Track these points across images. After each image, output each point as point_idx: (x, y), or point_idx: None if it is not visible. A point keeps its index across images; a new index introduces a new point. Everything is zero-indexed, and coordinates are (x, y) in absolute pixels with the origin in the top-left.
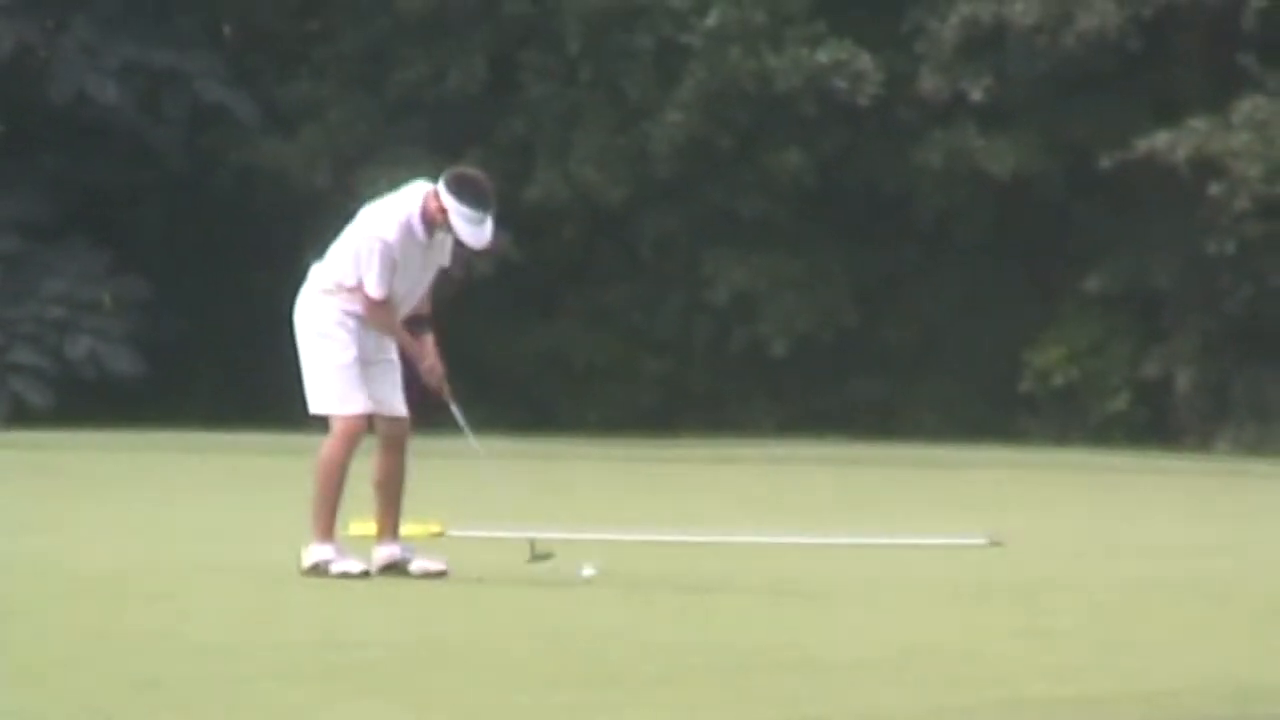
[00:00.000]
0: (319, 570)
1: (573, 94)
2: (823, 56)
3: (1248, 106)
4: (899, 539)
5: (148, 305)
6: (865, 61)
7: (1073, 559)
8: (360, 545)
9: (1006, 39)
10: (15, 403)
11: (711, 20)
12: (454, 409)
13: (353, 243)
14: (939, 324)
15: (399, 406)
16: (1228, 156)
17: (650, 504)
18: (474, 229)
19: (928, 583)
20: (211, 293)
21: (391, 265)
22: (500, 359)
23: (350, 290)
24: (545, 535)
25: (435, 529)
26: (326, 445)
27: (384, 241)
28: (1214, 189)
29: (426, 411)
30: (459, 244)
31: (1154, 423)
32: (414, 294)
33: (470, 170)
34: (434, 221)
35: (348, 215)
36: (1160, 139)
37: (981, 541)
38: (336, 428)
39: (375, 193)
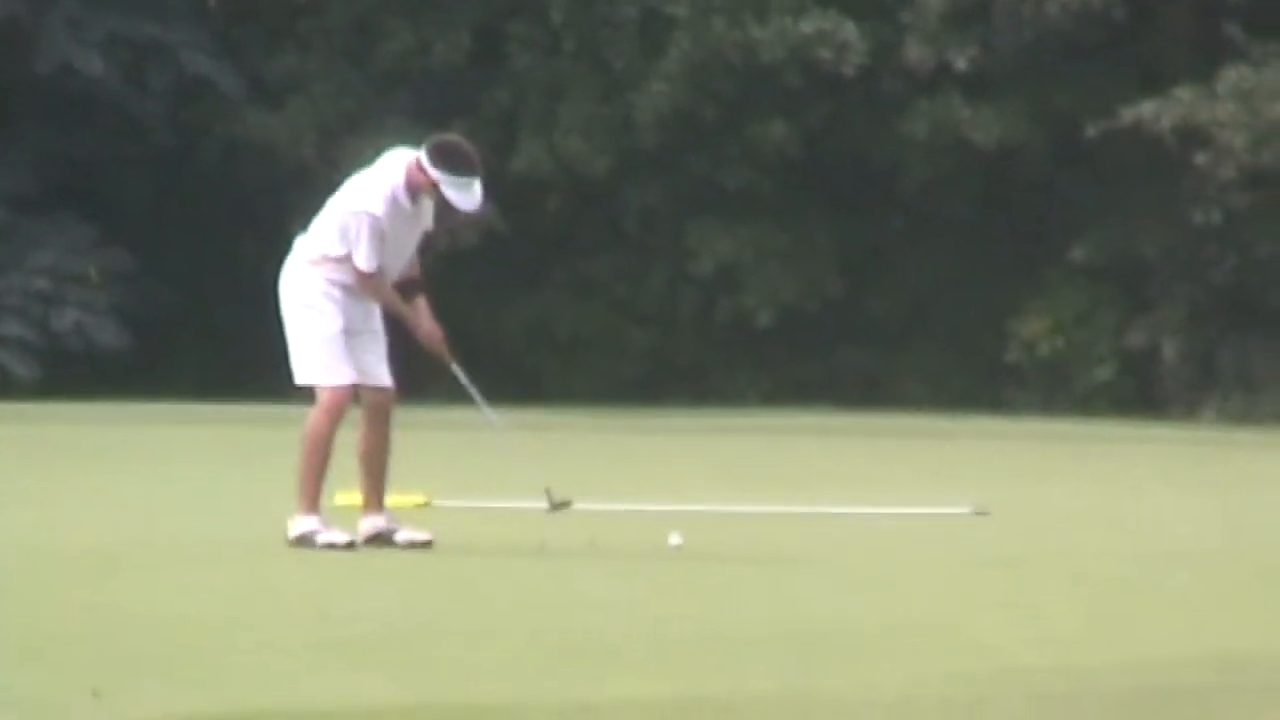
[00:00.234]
0: (305, 541)
1: (557, 65)
2: (807, 27)
3: (1233, 76)
4: (884, 509)
5: (133, 278)
6: (850, 31)
7: (1059, 529)
8: (346, 517)
9: (992, 9)
10: (1, 375)
11: None
12: (458, 372)
13: (338, 215)
14: (924, 294)
15: (384, 377)
16: (1213, 126)
17: (636, 474)
18: (464, 194)
19: (913, 553)
20: (197, 265)
21: (380, 237)
22: (485, 331)
23: (336, 261)
24: (530, 505)
25: (421, 500)
26: (312, 416)
27: (371, 215)
28: (1200, 159)
29: (414, 382)
30: (441, 212)
31: (1140, 393)
32: (400, 261)
33: (450, 137)
34: (418, 191)
35: (333, 187)
36: (1146, 109)
37: (967, 512)
38: (322, 399)
39: (361, 165)
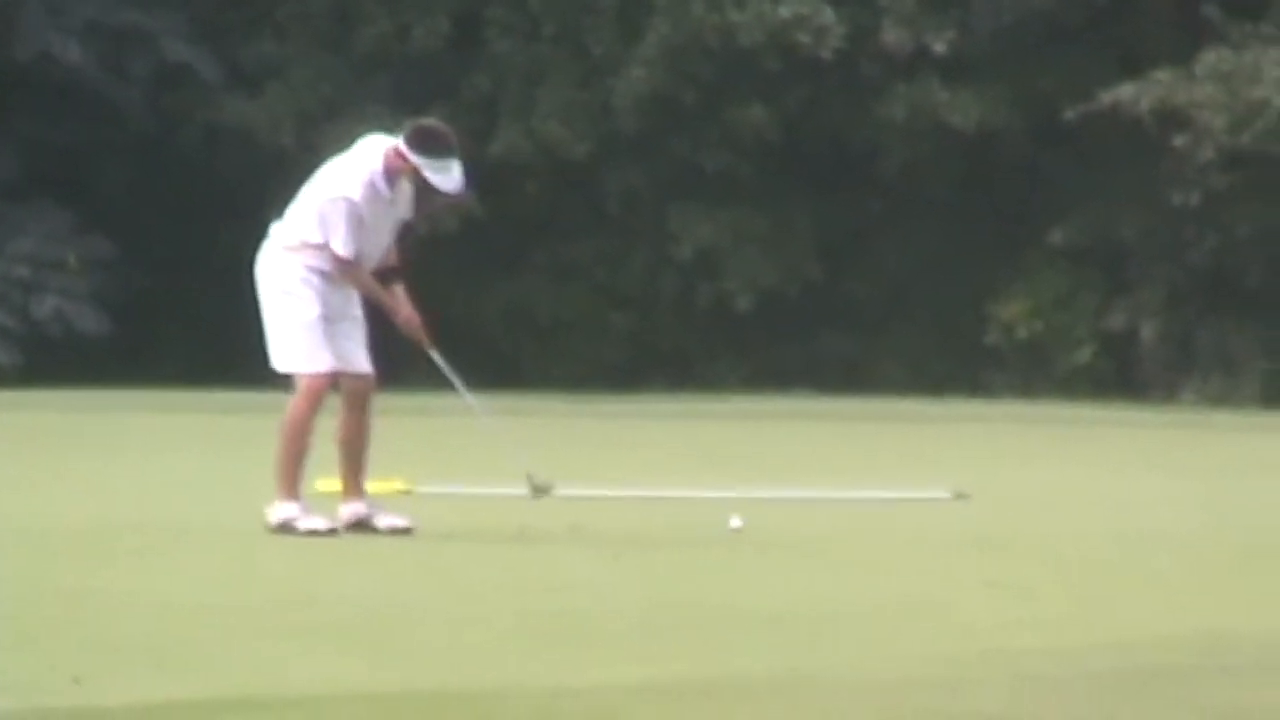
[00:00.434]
0: (286, 528)
1: (536, 50)
2: (785, 11)
3: (1212, 58)
4: (865, 493)
5: (113, 264)
6: (828, 15)
7: (1040, 512)
8: (326, 503)
9: None
10: None
11: None
12: (437, 358)
13: (316, 201)
14: (904, 278)
15: (364, 363)
16: (1192, 108)
17: (617, 460)
18: (445, 176)
19: (895, 537)
20: (177, 252)
21: (358, 224)
22: (465, 315)
23: (314, 247)
24: (511, 492)
25: (401, 486)
26: (291, 403)
27: (349, 201)
28: (1178, 141)
29: (393, 368)
30: (421, 197)
31: (1119, 375)
32: (378, 247)
33: (426, 121)
34: (397, 177)
35: (312, 173)
36: (1124, 91)
37: (947, 495)
38: (301, 385)
39: (340, 151)
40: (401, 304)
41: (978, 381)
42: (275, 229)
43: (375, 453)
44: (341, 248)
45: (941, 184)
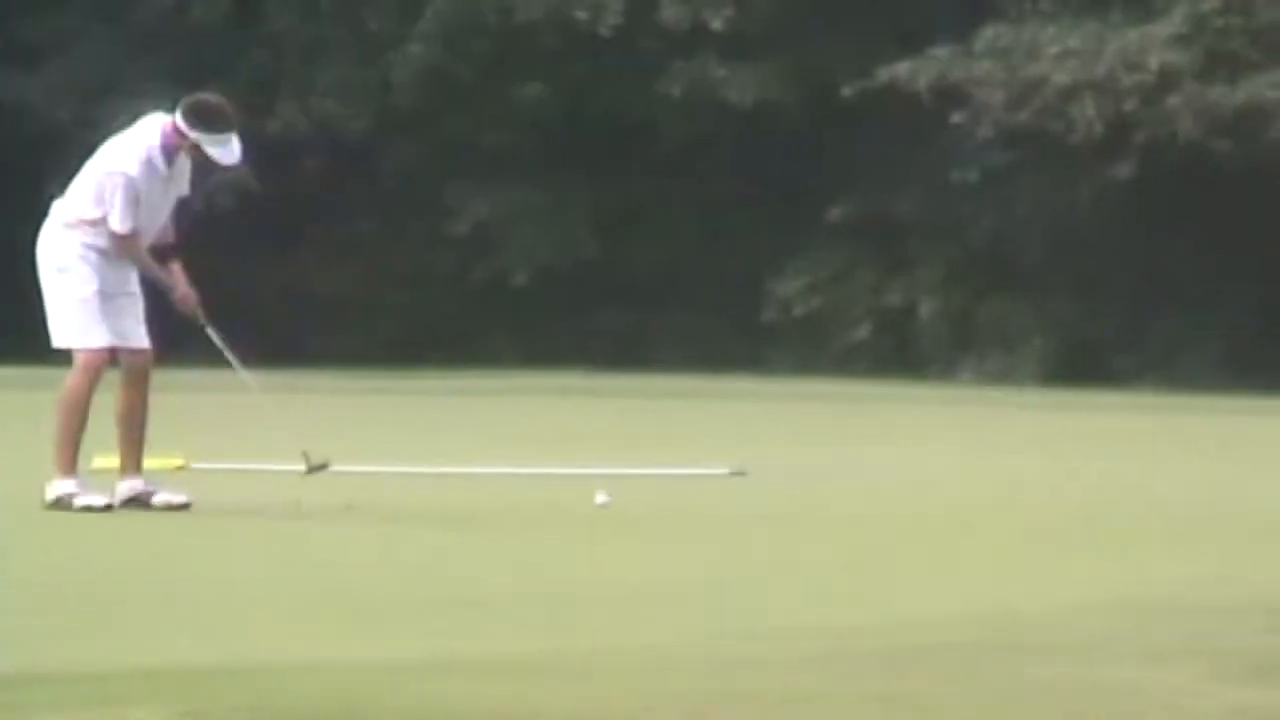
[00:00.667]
0: (62, 504)
1: (315, 27)
2: None
3: (990, 34)
4: (642, 469)
5: None
6: None
7: (817, 489)
8: (104, 479)
9: None
10: None
11: None
12: (213, 335)
13: (95, 178)
14: (682, 254)
15: (142, 339)
16: (970, 85)
17: (393, 437)
18: (224, 150)
19: (674, 514)
20: None
21: (135, 199)
22: (242, 293)
23: (92, 224)
24: (287, 468)
25: (178, 462)
26: (69, 379)
27: (127, 176)
28: (957, 118)
29: (172, 345)
30: (200, 164)
31: (897, 352)
32: (156, 224)
33: (202, 96)
34: (175, 153)
35: (91, 150)
36: (902, 68)
37: (724, 472)
38: (79, 361)
39: (119, 127)
40: (179, 280)
41: (756, 358)
42: (56, 206)
43: (153, 429)
44: (119, 224)
45: (719, 161)
